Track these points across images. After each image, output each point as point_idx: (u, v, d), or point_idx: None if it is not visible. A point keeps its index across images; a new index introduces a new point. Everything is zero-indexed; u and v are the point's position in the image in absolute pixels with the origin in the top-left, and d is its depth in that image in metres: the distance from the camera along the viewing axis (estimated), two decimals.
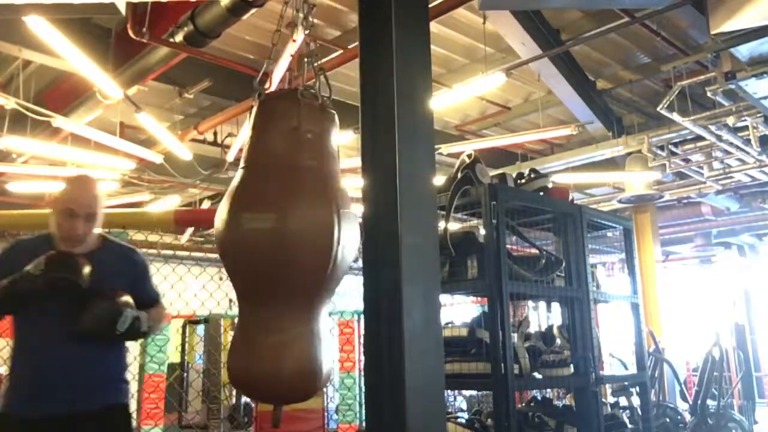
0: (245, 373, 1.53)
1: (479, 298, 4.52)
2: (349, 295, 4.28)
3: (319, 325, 1.54)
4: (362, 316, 1.95)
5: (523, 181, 3.45)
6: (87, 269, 2.12)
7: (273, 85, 5.33)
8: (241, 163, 1.63)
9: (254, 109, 1.67)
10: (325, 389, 3.00)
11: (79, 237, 2.21)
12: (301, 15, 1.95)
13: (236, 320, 1.60)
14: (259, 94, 1.71)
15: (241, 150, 7.05)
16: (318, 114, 1.64)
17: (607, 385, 4.52)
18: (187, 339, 10.02)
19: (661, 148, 7.16)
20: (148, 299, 2.42)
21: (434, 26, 5.45)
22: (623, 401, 4.29)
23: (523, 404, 3.82)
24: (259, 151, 1.60)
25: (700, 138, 6.84)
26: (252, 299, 1.54)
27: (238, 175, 1.62)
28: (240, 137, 6.49)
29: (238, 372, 1.55)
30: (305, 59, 1.88)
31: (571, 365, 3.14)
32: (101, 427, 2.21)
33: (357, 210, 1.71)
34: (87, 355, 2.20)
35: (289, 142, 1.59)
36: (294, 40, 2.06)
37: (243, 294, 1.57)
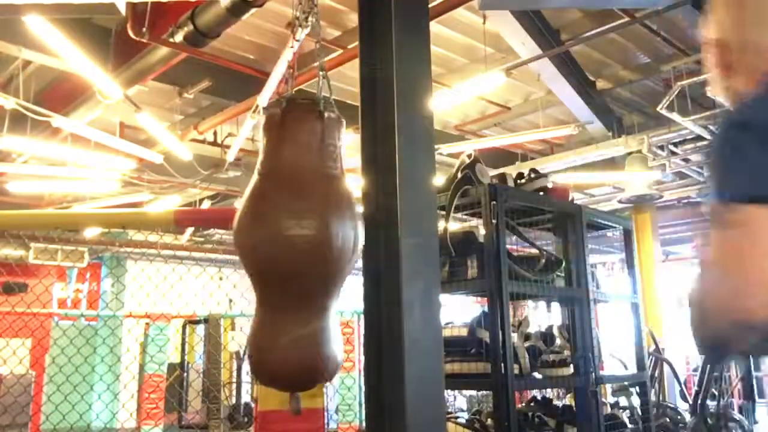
0: (271, 365, 1.68)
1: (479, 298, 4.52)
2: (349, 295, 4.28)
3: (332, 320, 1.71)
4: (362, 316, 1.95)
5: (523, 181, 3.45)
6: None
7: (272, 85, 5.30)
8: (260, 170, 1.67)
9: (272, 118, 1.70)
10: (325, 389, 2.99)
11: None
12: (301, 14, 1.95)
13: (256, 316, 1.70)
14: (279, 102, 1.72)
15: (243, 151, 7.07)
16: (335, 123, 1.72)
17: (607, 385, 4.53)
18: (187, 339, 10.03)
19: (661, 148, 7.17)
20: None
21: (434, 26, 5.45)
22: (623, 401, 4.30)
23: (523, 404, 3.82)
24: (282, 159, 1.66)
25: (700, 138, 6.85)
26: (278, 299, 1.66)
27: (257, 182, 1.66)
28: (240, 137, 6.49)
29: (264, 365, 1.69)
30: (321, 72, 1.89)
31: (571, 365, 3.14)
32: None
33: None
34: None
35: (314, 152, 1.66)
36: (296, 41, 2.03)
37: (269, 293, 1.67)
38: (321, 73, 1.89)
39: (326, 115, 1.70)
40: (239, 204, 1.70)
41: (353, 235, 1.64)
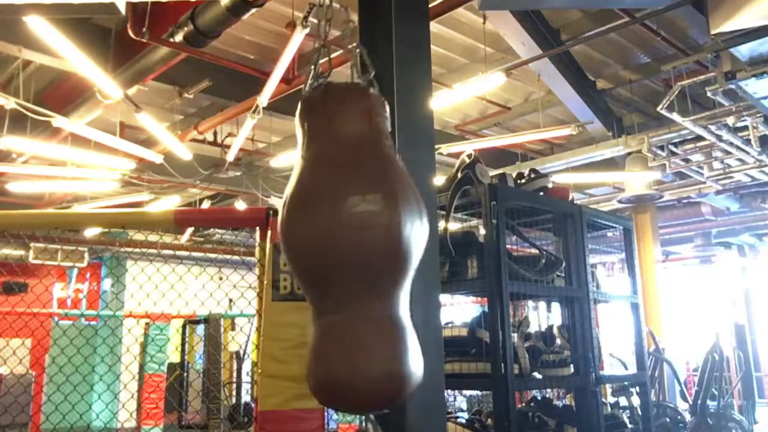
0: (339, 384, 1.40)
1: (479, 298, 4.52)
2: None
3: (407, 320, 1.44)
4: None
5: (523, 181, 3.45)
6: None
7: (272, 85, 5.29)
8: (306, 155, 1.50)
9: (313, 101, 1.57)
10: None
11: None
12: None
13: (314, 325, 1.43)
14: (319, 85, 1.63)
15: (243, 151, 7.06)
16: (379, 99, 1.60)
17: (607, 385, 4.52)
18: (187, 339, 10.03)
19: (661, 148, 7.16)
20: None
21: (434, 26, 5.44)
22: (623, 401, 4.29)
23: (523, 404, 3.82)
24: (331, 140, 1.51)
25: (700, 138, 6.84)
26: (343, 297, 1.40)
27: (305, 167, 1.47)
28: (240, 137, 6.49)
29: (330, 385, 1.41)
30: (357, 50, 1.81)
31: (571, 365, 3.14)
32: None
33: None
34: None
35: (365, 130, 1.52)
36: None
37: (331, 291, 1.41)
38: (357, 50, 1.80)
39: (371, 90, 1.59)
40: (286, 192, 1.49)
41: (419, 213, 1.44)
